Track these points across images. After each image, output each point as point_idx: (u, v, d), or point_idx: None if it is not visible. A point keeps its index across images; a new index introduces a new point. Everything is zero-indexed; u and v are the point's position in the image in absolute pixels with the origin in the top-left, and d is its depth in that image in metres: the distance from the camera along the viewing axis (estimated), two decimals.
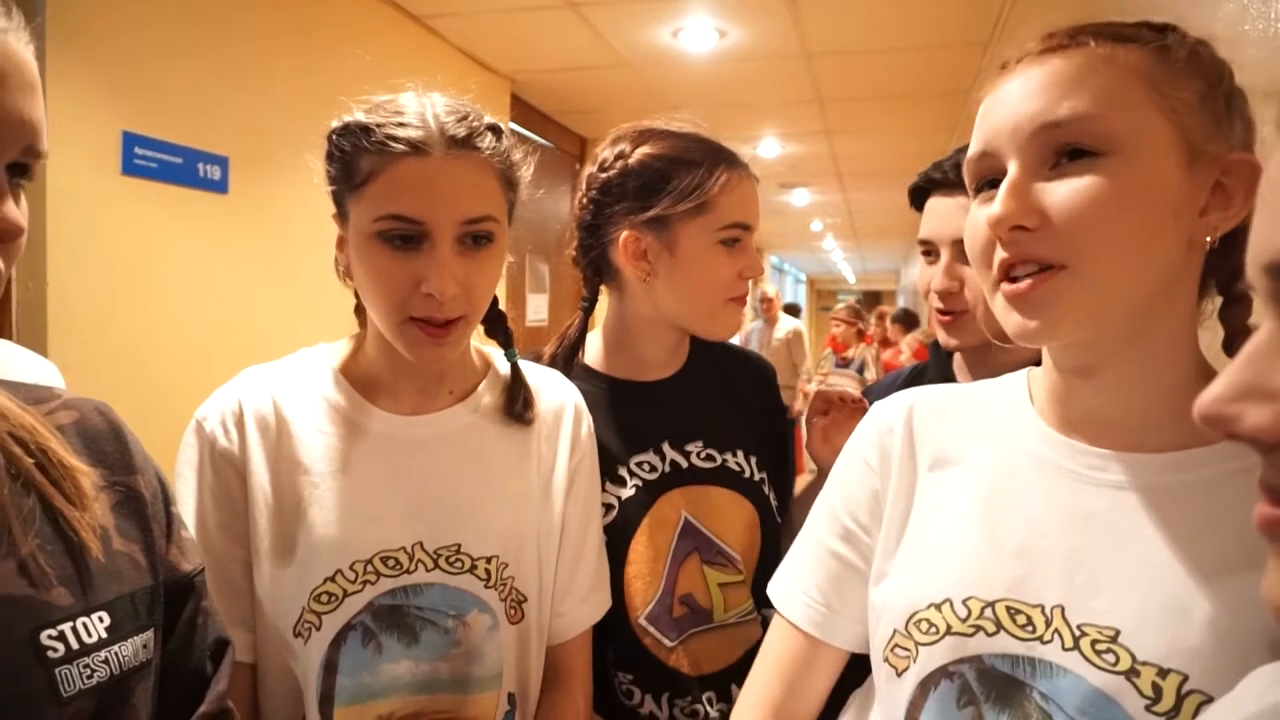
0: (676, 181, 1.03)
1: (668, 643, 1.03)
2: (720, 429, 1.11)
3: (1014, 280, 0.61)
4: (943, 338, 1.13)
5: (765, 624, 1.08)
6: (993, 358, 1.06)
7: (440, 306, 0.81)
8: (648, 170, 1.05)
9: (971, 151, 0.66)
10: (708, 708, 1.04)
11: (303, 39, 2.40)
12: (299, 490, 0.84)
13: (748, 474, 1.11)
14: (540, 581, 0.92)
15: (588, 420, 1.00)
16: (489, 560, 0.87)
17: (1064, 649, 0.60)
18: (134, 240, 1.92)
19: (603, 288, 1.14)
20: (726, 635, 1.07)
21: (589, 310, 1.15)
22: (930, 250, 1.15)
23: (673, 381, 1.14)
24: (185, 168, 2.04)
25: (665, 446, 1.08)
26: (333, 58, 2.42)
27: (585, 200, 1.09)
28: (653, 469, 1.07)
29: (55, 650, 0.54)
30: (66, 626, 0.56)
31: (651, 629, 1.03)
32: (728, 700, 1.04)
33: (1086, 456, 0.65)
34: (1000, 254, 0.62)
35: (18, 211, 0.51)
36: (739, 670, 1.05)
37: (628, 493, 1.04)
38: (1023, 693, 0.61)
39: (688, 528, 1.06)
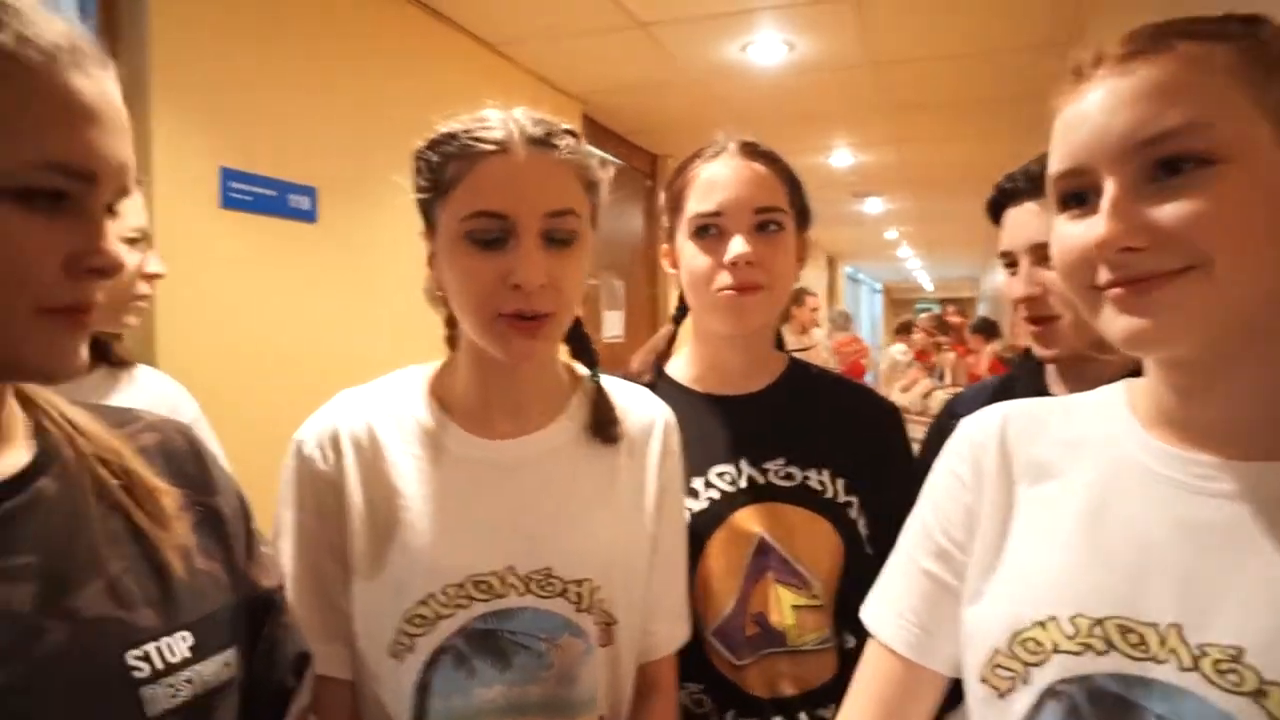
0: (669, 188, 1.10)
1: (736, 661, 1.02)
2: (804, 446, 1.08)
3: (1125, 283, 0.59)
4: (1037, 349, 1.10)
5: (843, 651, 1.05)
6: (1090, 369, 1.01)
7: (528, 299, 0.81)
8: (667, 189, 1.11)
9: (1056, 168, 0.63)
10: None
11: (382, 71, 2.50)
12: (393, 512, 0.86)
13: (830, 494, 1.06)
14: (629, 603, 0.90)
15: (678, 437, 0.98)
16: (580, 584, 0.86)
17: (1181, 669, 0.57)
18: (231, 270, 2.03)
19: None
20: (801, 661, 1.03)
21: (678, 321, 1.17)
22: (1012, 262, 1.13)
23: (757, 398, 1.11)
24: (277, 199, 2.15)
25: (743, 462, 1.06)
26: (411, 87, 2.51)
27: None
28: (731, 482, 1.05)
29: (141, 670, 0.55)
30: (151, 646, 0.57)
31: (719, 645, 1.02)
32: None
33: (1197, 466, 0.62)
34: (1105, 275, 0.59)
35: (119, 251, 0.54)
36: (812, 699, 1.03)
37: (700, 505, 1.04)
38: (1137, 715, 0.58)
39: (764, 546, 1.03)
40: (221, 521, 0.67)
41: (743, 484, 1.05)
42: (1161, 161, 0.57)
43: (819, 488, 1.07)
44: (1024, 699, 0.63)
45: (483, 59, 3.05)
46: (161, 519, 0.61)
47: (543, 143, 0.84)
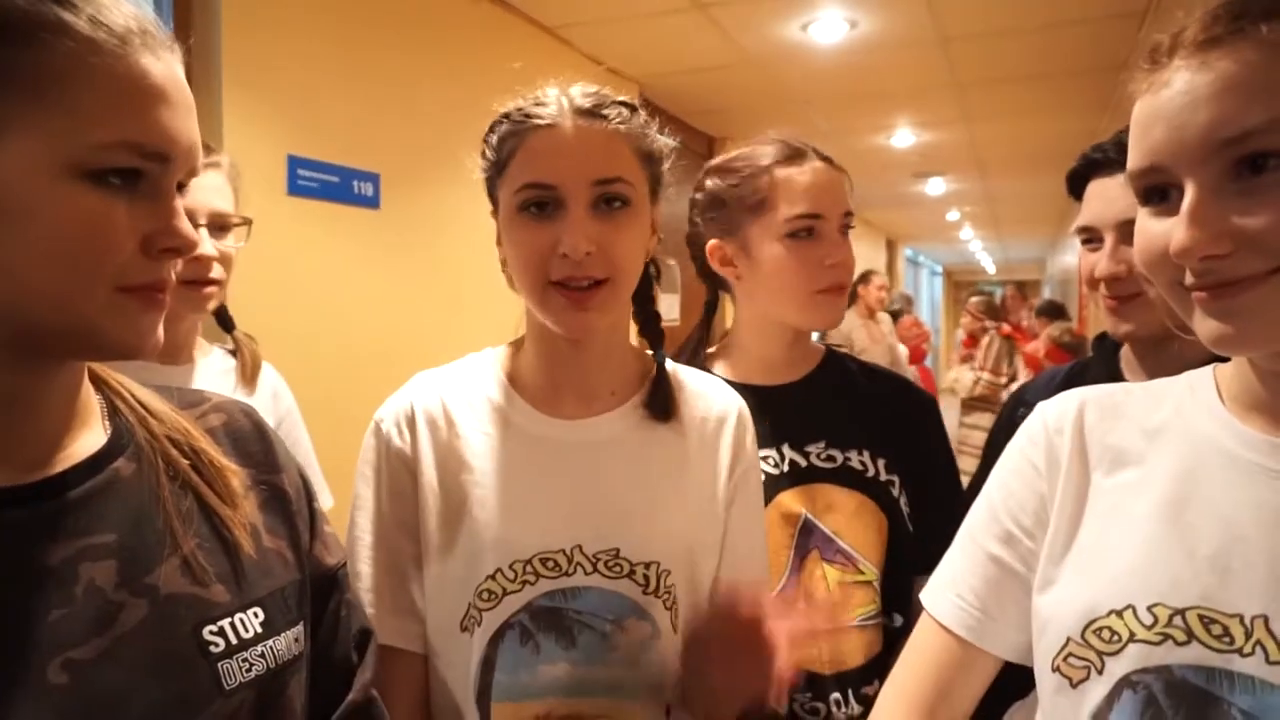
0: (742, 187, 1.11)
1: None
2: (843, 427, 1.12)
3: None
4: (1112, 325, 1.07)
5: (889, 630, 1.07)
6: (1168, 352, 0.97)
7: (577, 266, 0.82)
8: (719, 184, 1.14)
9: (1134, 164, 0.61)
10: (833, 708, 1.03)
11: (443, 58, 2.53)
12: (465, 489, 0.88)
13: (871, 472, 1.10)
14: (696, 594, 0.90)
15: (752, 430, 0.98)
16: (648, 566, 0.86)
17: (1268, 662, 0.55)
18: (299, 256, 2.07)
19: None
20: (847, 636, 1.06)
21: (708, 316, 1.21)
22: (1092, 237, 1.09)
23: (796, 386, 1.15)
24: (341, 186, 2.19)
25: (785, 446, 1.10)
26: (471, 73, 2.53)
27: (689, 220, 1.19)
28: (775, 465, 1.08)
29: (217, 645, 0.57)
30: (225, 622, 0.58)
31: None
32: (847, 703, 1.04)
33: None
34: (1190, 278, 0.58)
35: (193, 231, 0.56)
36: (865, 673, 1.05)
37: None
38: (1219, 708, 0.56)
39: (807, 525, 1.06)
40: (286, 500, 0.68)
41: (785, 467, 1.08)
42: (1243, 160, 0.54)
43: (860, 467, 1.10)
44: (1098, 689, 0.61)
45: (541, 43, 3.06)
46: (230, 497, 0.62)
47: (591, 113, 0.85)
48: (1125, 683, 0.60)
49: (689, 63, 3.48)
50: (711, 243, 1.14)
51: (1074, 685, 0.63)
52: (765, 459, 1.07)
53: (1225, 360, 0.67)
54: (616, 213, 0.85)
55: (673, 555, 0.88)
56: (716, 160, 1.16)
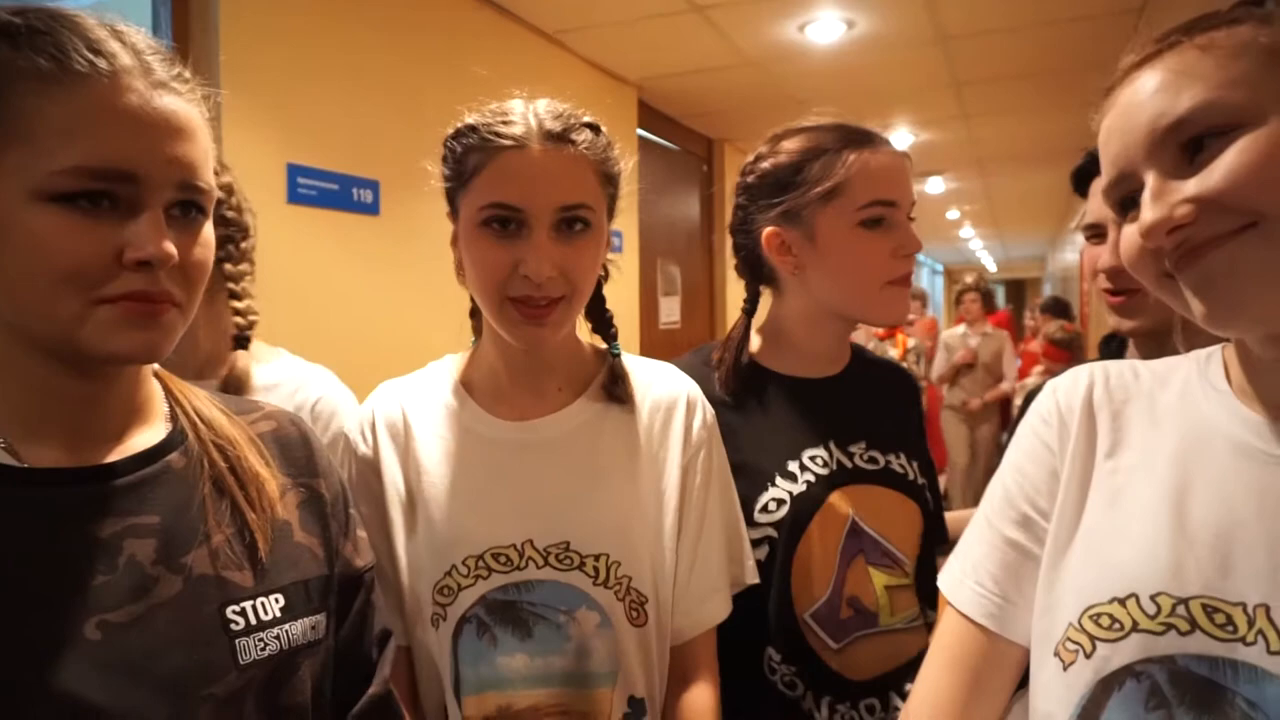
0: (806, 171, 1.04)
1: (833, 644, 1.02)
2: (882, 431, 1.10)
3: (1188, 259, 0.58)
4: (1116, 322, 1.06)
5: (930, 629, 1.07)
6: (1172, 345, 0.98)
7: (537, 288, 0.86)
8: (781, 167, 1.06)
9: (1104, 182, 0.64)
10: (865, 715, 1.02)
11: (442, 64, 2.53)
12: (422, 490, 0.92)
13: (911, 477, 1.09)
14: (657, 581, 0.92)
15: (704, 412, 0.98)
16: (597, 558, 0.89)
17: (1270, 652, 0.55)
18: (299, 263, 2.08)
19: (762, 288, 1.16)
20: (893, 641, 1.04)
21: (750, 312, 1.15)
22: (1098, 233, 1.09)
23: (837, 381, 1.13)
24: (341, 193, 2.19)
25: (831, 445, 1.07)
26: (468, 79, 2.53)
27: (735, 206, 1.14)
28: (824, 464, 1.05)
29: (237, 624, 0.63)
30: (247, 604, 0.64)
31: (816, 628, 1.02)
32: (888, 709, 1.02)
33: None
34: (1168, 261, 0.60)
35: (169, 243, 0.58)
36: (899, 678, 1.04)
37: (799, 489, 1.03)
38: (1224, 698, 0.56)
39: (855, 528, 1.04)
40: (322, 503, 0.74)
41: (834, 466, 1.06)
42: (1187, 145, 0.58)
43: (901, 470, 1.09)
44: (1096, 676, 0.61)
45: (539, 49, 3.06)
46: (258, 504, 0.68)
47: (560, 138, 0.87)
48: (1128, 672, 0.59)
49: (687, 65, 3.49)
50: (769, 230, 1.07)
51: (1066, 669, 0.63)
52: (814, 458, 1.05)
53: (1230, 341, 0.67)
54: (577, 235, 0.88)
55: (622, 546, 0.90)
56: (769, 144, 1.10)
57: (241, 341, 1.24)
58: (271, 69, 1.99)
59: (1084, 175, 1.12)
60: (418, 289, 2.43)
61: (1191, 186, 0.57)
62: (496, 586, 0.88)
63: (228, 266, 1.19)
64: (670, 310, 4.32)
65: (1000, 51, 3.40)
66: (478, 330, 1.00)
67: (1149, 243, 0.59)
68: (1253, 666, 0.56)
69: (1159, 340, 1.04)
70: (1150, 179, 0.59)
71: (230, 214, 1.18)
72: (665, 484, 0.94)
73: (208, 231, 0.64)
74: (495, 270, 0.86)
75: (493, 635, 0.88)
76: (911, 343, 4.82)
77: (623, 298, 3.75)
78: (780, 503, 1.03)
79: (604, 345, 1.02)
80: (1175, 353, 0.75)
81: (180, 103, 0.60)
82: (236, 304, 1.22)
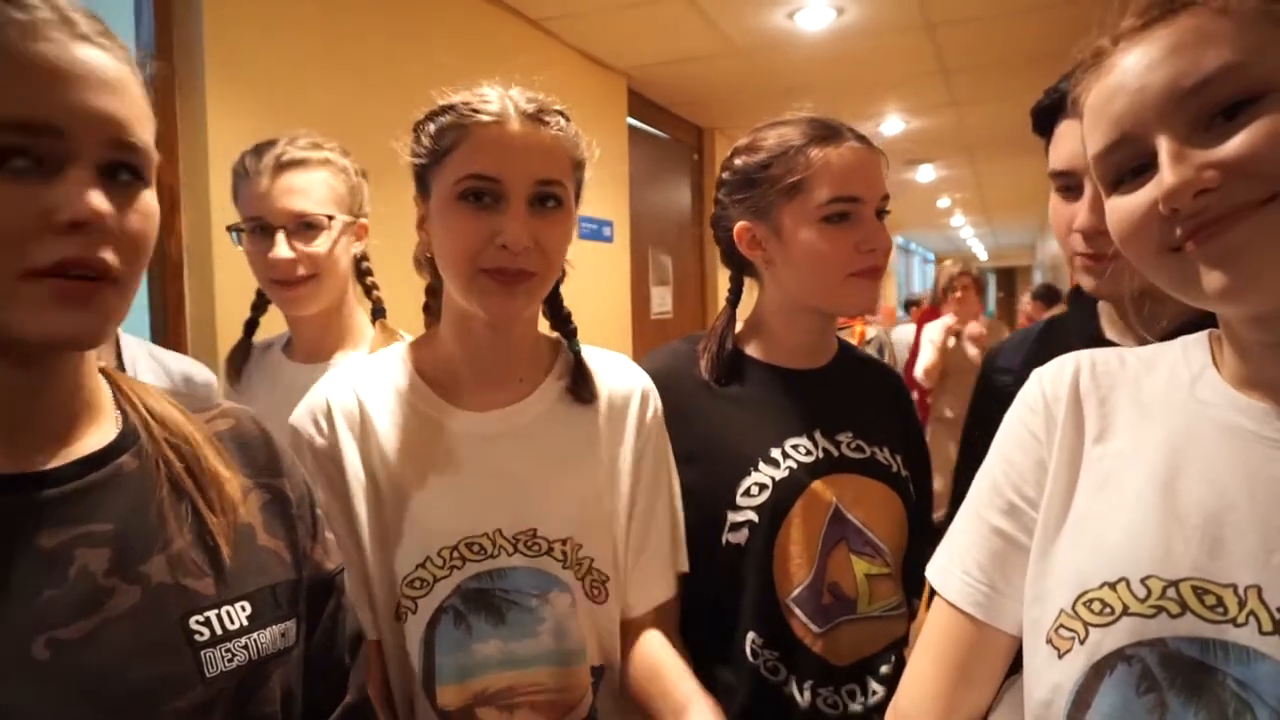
0: (773, 167, 1.06)
1: (815, 628, 1.03)
2: (868, 422, 1.11)
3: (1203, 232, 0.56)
4: (1088, 283, 0.99)
5: (913, 618, 1.09)
6: (1150, 307, 0.94)
7: (513, 258, 0.87)
8: (750, 164, 1.09)
9: (1100, 144, 0.61)
10: (847, 700, 1.03)
11: (428, 52, 2.50)
12: (389, 481, 0.91)
13: (894, 469, 1.10)
14: (616, 562, 0.96)
15: (655, 406, 1.03)
16: (564, 542, 0.92)
17: (1261, 632, 0.55)
18: None
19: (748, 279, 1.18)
20: (870, 627, 1.06)
21: (734, 301, 1.17)
22: (1070, 184, 1.00)
23: (823, 372, 1.14)
24: None
25: (816, 434, 1.08)
26: (456, 67, 2.51)
27: (714, 199, 1.16)
28: (808, 452, 1.06)
29: (202, 634, 0.59)
30: (212, 613, 0.60)
31: (799, 612, 1.03)
32: (866, 695, 1.04)
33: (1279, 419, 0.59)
34: (1181, 231, 0.57)
35: (100, 200, 0.53)
36: (878, 662, 1.06)
37: (781, 474, 1.05)
38: (1214, 679, 0.56)
39: (838, 515, 1.05)
40: (287, 504, 0.70)
41: (820, 454, 1.07)
42: (1211, 108, 0.56)
43: (885, 462, 1.10)
44: (1089, 662, 0.61)
45: (527, 36, 3.04)
46: (219, 505, 0.64)
47: (535, 118, 0.89)
48: (1119, 656, 0.59)
49: (675, 53, 3.47)
50: (740, 225, 1.09)
51: (1061, 655, 0.63)
52: (796, 446, 1.06)
53: (1215, 325, 0.66)
54: (551, 212, 0.90)
55: (585, 530, 0.94)
56: (745, 139, 1.11)
57: (379, 313, 1.40)
58: (255, 53, 1.97)
59: (1047, 113, 1.03)
60: (403, 281, 2.41)
61: (1218, 152, 0.55)
62: (471, 575, 0.89)
63: (357, 245, 1.35)
64: (662, 300, 4.31)
65: (990, 38, 3.39)
66: (435, 313, 1.01)
67: (1170, 204, 0.56)
68: (1244, 647, 0.55)
69: (1134, 303, 0.99)
70: (1165, 142, 0.56)
71: (365, 206, 1.37)
72: (620, 470, 0.98)
73: (148, 200, 0.58)
74: (470, 241, 0.87)
75: (468, 624, 0.89)
76: (871, 333, 4.64)
77: (614, 287, 3.74)
78: (763, 487, 1.04)
79: (555, 335, 1.04)
80: (1157, 312, 0.73)
81: (107, 57, 0.55)
82: (372, 279, 1.39)
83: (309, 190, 1.25)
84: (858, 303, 1.08)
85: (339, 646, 0.72)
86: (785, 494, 1.04)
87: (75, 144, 0.53)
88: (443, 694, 0.89)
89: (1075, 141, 0.97)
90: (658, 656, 0.95)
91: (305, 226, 1.24)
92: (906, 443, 1.15)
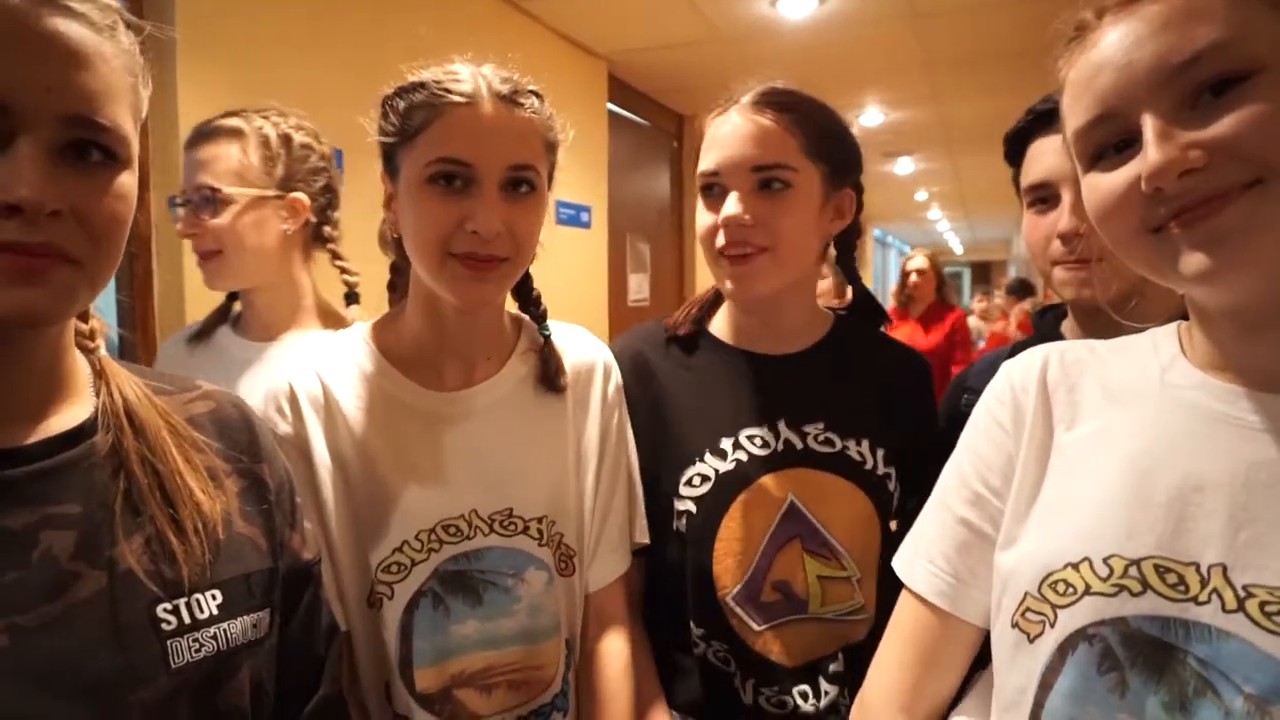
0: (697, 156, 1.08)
1: (755, 626, 1.00)
2: (845, 413, 1.04)
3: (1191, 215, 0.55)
4: (1069, 292, 0.99)
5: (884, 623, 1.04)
6: (1139, 305, 0.89)
7: (484, 244, 0.85)
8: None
9: (1082, 119, 0.60)
10: (799, 701, 0.99)
11: (407, 32, 2.46)
12: (357, 467, 0.88)
13: (869, 465, 1.03)
14: (582, 536, 0.97)
15: (616, 379, 1.03)
16: (539, 520, 0.92)
17: (1225, 611, 0.55)
18: None
19: None
20: (823, 629, 1.02)
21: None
22: (1045, 196, 1.01)
23: (802, 358, 1.07)
24: None
25: (781, 424, 1.03)
26: (435, 47, 2.48)
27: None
28: (764, 444, 1.02)
29: (169, 623, 0.57)
30: (181, 602, 0.59)
31: (738, 609, 1.00)
32: (819, 696, 1.00)
33: (1250, 401, 0.59)
34: (1163, 211, 0.56)
35: (36, 184, 0.50)
36: (827, 664, 1.01)
37: (726, 467, 1.01)
38: (1175, 657, 0.56)
39: (792, 511, 1.01)
40: (265, 489, 0.68)
41: (779, 447, 1.02)
42: (1199, 86, 0.55)
43: (858, 458, 1.04)
44: (1053, 642, 0.61)
45: (508, 19, 3.00)
46: (195, 491, 0.62)
47: (509, 99, 0.86)
48: (1081, 635, 0.59)
49: (658, 39, 3.44)
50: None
51: (1031, 640, 0.62)
52: (753, 438, 1.02)
53: (1186, 319, 0.66)
54: (524, 197, 0.88)
55: (558, 507, 0.95)
56: None
57: (352, 298, 1.34)
58: (229, 29, 1.93)
59: (1021, 138, 1.04)
60: (378, 254, 2.39)
61: (1204, 133, 0.54)
62: (448, 558, 0.89)
63: (327, 230, 1.31)
64: (639, 287, 4.30)
65: (972, 30, 3.40)
66: (400, 292, 0.99)
67: (1154, 183, 0.55)
68: (1205, 625, 0.56)
69: (1101, 316, 1.00)
70: (1150, 120, 0.56)
71: (330, 182, 1.34)
72: (586, 444, 0.99)
73: (123, 182, 0.55)
74: (440, 225, 0.85)
75: (446, 606, 0.88)
76: None
77: (591, 274, 3.72)
78: (705, 479, 1.02)
79: (517, 313, 1.03)
80: (1116, 328, 0.74)
81: (76, 26, 0.52)
82: (342, 263, 1.32)
83: (211, 163, 1.20)
84: (726, 286, 1.02)
85: (315, 638, 0.71)
86: (726, 488, 1.01)
87: (22, 119, 0.50)
88: (421, 678, 0.87)
89: (1052, 155, 1.00)
90: (605, 683, 0.96)
91: (206, 200, 1.20)
92: (903, 436, 1.06)
